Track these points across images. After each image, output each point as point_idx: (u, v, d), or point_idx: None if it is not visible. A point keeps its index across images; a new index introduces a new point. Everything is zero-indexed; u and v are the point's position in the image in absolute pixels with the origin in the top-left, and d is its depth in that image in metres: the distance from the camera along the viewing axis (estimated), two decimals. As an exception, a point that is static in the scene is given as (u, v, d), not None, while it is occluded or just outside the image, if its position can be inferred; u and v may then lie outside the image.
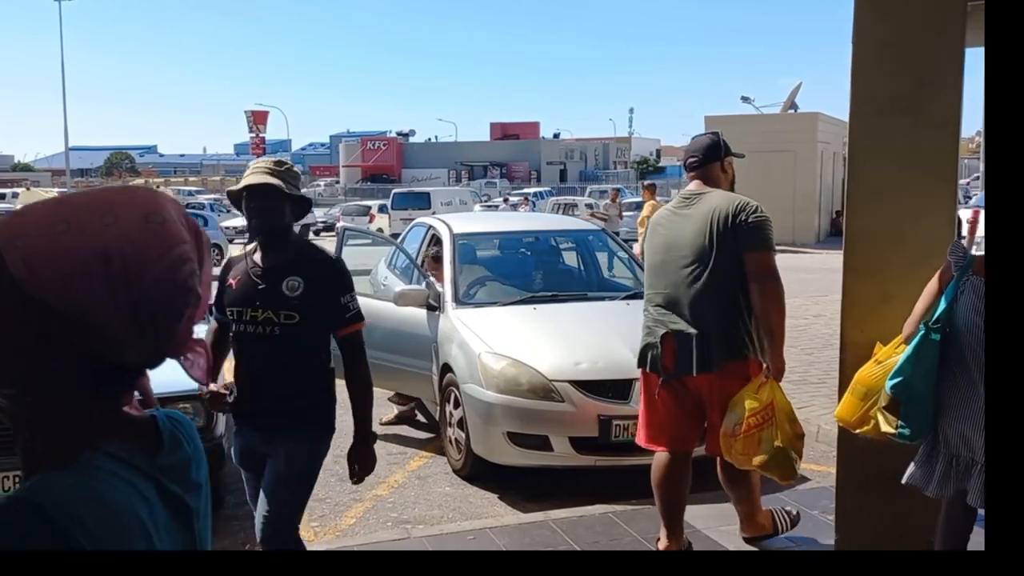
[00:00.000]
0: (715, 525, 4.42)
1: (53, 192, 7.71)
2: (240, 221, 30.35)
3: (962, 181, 24.63)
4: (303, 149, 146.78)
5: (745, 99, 39.59)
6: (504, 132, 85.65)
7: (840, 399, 3.87)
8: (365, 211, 31.04)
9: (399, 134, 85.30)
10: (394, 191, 32.74)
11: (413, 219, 9.67)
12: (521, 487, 5.19)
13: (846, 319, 3.83)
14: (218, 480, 4.91)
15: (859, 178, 3.73)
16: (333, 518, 4.93)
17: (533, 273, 6.73)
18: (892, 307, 3.68)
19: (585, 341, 5.33)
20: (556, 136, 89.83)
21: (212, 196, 42.61)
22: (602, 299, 6.25)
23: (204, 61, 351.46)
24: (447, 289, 5.97)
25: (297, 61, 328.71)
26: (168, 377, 4.24)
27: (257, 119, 64.25)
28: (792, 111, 29.32)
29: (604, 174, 76.92)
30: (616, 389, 4.97)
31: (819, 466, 5.63)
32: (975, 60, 3.48)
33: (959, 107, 3.50)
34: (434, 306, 5.87)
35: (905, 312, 3.63)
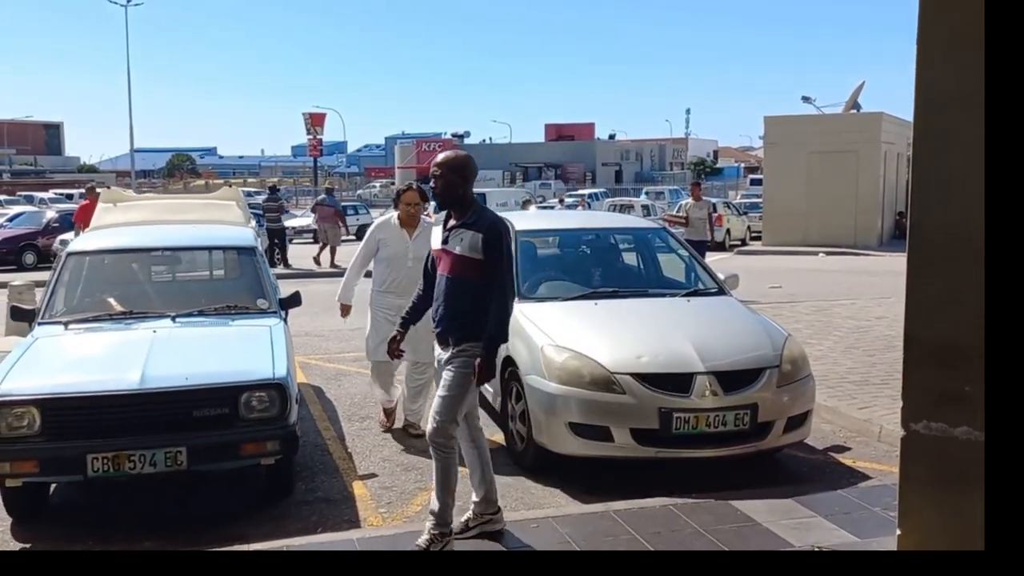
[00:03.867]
0: (775, 519, 4.45)
1: (130, 192, 8.02)
2: (296, 221, 30.72)
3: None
4: (359, 151, 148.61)
5: (806, 99, 39.07)
6: (559, 133, 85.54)
7: (903, 399, 3.88)
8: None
9: (454, 135, 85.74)
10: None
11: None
12: (582, 479, 5.27)
13: (910, 317, 3.83)
14: (290, 466, 5.10)
15: (924, 175, 3.73)
16: (400, 505, 5.07)
17: (593, 270, 6.81)
18: (959, 305, 3.68)
19: (645, 335, 5.40)
20: (611, 137, 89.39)
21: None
22: (662, 295, 6.31)
23: (264, 65, 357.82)
24: (509, 285, 6.10)
25: (354, 65, 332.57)
26: (244, 366, 4.42)
27: (315, 121, 65.31)
28: (855, 111, 28.81)
29: (660, 175, 76.35)
30: (677, 382, 5.03)
31: (882, 465, 5.61)
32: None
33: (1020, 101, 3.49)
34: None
35: (973, 310, 3.62)
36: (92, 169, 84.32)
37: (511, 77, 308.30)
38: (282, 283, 7.43)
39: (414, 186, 6.30)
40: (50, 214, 24.49)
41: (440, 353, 4.26)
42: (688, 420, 4.99)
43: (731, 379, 5.13)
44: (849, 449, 6.05)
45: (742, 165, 78.12)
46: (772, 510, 4.58)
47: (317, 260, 19.91)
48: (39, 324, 5.42)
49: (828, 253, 22.05)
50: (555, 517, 4.57)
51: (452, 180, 4.17)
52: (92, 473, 4.41)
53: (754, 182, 49.94)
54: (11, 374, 4.62)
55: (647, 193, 39.87)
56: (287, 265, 19.62)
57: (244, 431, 4.64)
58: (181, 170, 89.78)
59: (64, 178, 63.41)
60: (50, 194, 43.44)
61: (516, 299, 5.97)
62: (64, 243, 20.79)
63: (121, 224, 6.55)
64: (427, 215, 6.32)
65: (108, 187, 8.00)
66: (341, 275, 6.74)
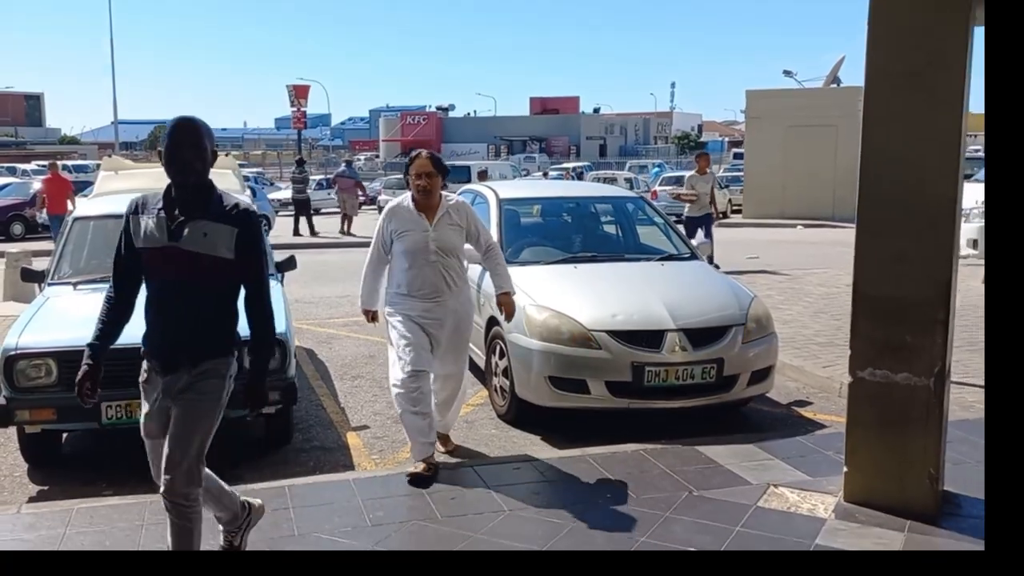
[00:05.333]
0: (736, 462, 4.86)
1: (129, 161, 8.29)
2: (284, 194, 31.05)
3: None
4: (343, 124, 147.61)
5: (787, 73, 39.43)
6: (544, 107, 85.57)
7: (851, 349, 4.27)
8: (405, 185, 31.56)
9: (439, 108, 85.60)
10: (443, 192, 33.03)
11: (453, 192, 9.98)
12: (560, 430, 5.66)
13: (858, 275, 4.21)
14: (289, 416, 5.46)
15: (872, 147, 4.11)
16: (391, 452, 5.45)
17: (573, 236, 7.16)
18: (902, 265, 4.07)
19: (621, 296, 5.78)
20: (596, 111, 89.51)
21: (255, 170, 43.25)
22: (638, 260, 6.69)
23: (247, 36, 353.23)
24: (494, 249, 6.44)
25: (338, 36, 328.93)
26: (245, 323, 4.65)
27: (299, 93, 64.93)
28: (835, 85, 29.19)
29: (644, 149, 76.70)
30: (649, 339, 5.42)
31: (840, 417, 5.98)
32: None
33: (963, 84, 3.86)
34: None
35: (917, 271, 4.01)
36: (74, 140, 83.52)
37: (496, 50, 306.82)
38: (299, 251, 7.79)
39: (424, 153, 4.92)
40: (37, 185, 24.54)
41: (164, 381, 3.33)
42: (659, 373, 5.39)
43: (699, 336, 5.52)
44: (811, 403, 6.47)
45: (726, 139, 78.47)
46: (734, 453, 4.99)
47: (345, 231, 20.77)
48: (48, 285, 5.73)
49: (806, 226, 22.49)
50: (535, 460, 4.97)
51: (204, 150, 3.15)
52: (106, 420, 4.76)
53: (737, 156, 50.37)
54: (27, 329, 4.95)
55: (631, 167, 40.20)
56: (313, 233, 20.66)
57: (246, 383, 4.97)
58: (162, 143, 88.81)
59: (46, 150, 62.83)
60: (33, 166, 43.16)
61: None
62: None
63: (123, 191, 6.83)
64: (448, 194, 5.02)
65: (110, 155, 8.25)
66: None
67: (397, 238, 4.85)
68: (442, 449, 5.20)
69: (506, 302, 5.07)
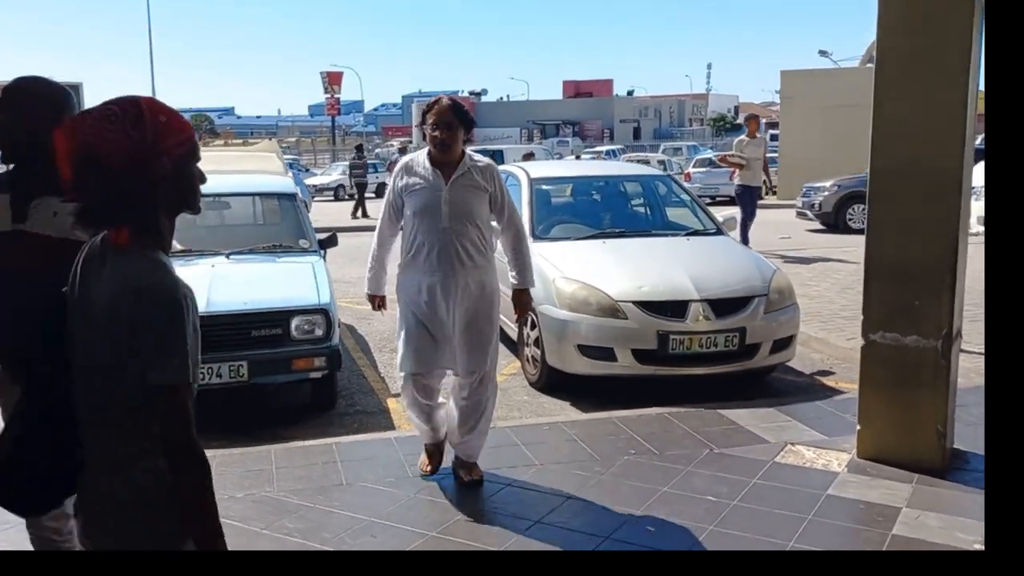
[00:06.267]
0: (756, 423, 5.12)
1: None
2: (319, 180, 31.74)
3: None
4: (376, 110, 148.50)
5: (823, 53, 39.08)
6: (577, 90, 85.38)
7: (863, 313, 4.51)
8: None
9: (471, 93, 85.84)
10: (468, 149, 33.47)
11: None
12: (589, 396, 5.96)
13: (870, 244, 4.45)
14: (333, 382, 5.82)
15: (883, 122, 4.33)
16: (429, 416, 5.79)
17: (602, 213, 7.44)
18: (913, 234, 4.29)
19: (647, 269, 6.05)
20: (630, 94, 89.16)
21: (290, 156, 43.83)
22: (664, 235, 6.95)
23: (279, 23, 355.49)
24: (525, 226, 6.73)
25: (370, 22, 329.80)
26: (293, 294, 5.09)
27: (332, 80, 65.56)
28: (870, 65, 28.90)
29: (679, 131, 76.25)
30: (674, 309, 5.69)
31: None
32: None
33: (968, 62, 4.06)
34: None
35: (925, 238, 4.23)
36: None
37: (530, 34, 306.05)
38: (350, 234, 8.12)
39: (445, 100, 4.09)
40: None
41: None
42: (683, 341, 5.66)
43: (722, 306, 5.78)
44: (833, 373, 6.70)
45: (763, 121, 77.62)
46: (755, 416, 5.26)
47: None
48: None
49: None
50: (564, 422, 5.28)
51: (36, 116, 2.56)
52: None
53: (773, 137, 49.98)
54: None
55: (664, 150, 40.15)
56: (365, 215, 21.46)
57: (295, 349, 5.35)
58: (200, 130, 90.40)
59: (88, 139, 64.14)
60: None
61: (531, 239, 6.64)
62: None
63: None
64: (475, 153, 4.24)
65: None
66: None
67: (407, 196, 4.09)
68: (465, 479, 4.32)
69: (522, 301, 4.34)
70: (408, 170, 4.16)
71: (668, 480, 4.31)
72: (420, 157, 4.16)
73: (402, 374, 4.23)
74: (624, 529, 3.78)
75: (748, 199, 11.91)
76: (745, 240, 11.36)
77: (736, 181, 12.14)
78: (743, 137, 12.27)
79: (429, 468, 4.44)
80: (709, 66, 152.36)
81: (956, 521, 3.79)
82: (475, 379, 4.14)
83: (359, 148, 25.56)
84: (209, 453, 4.75)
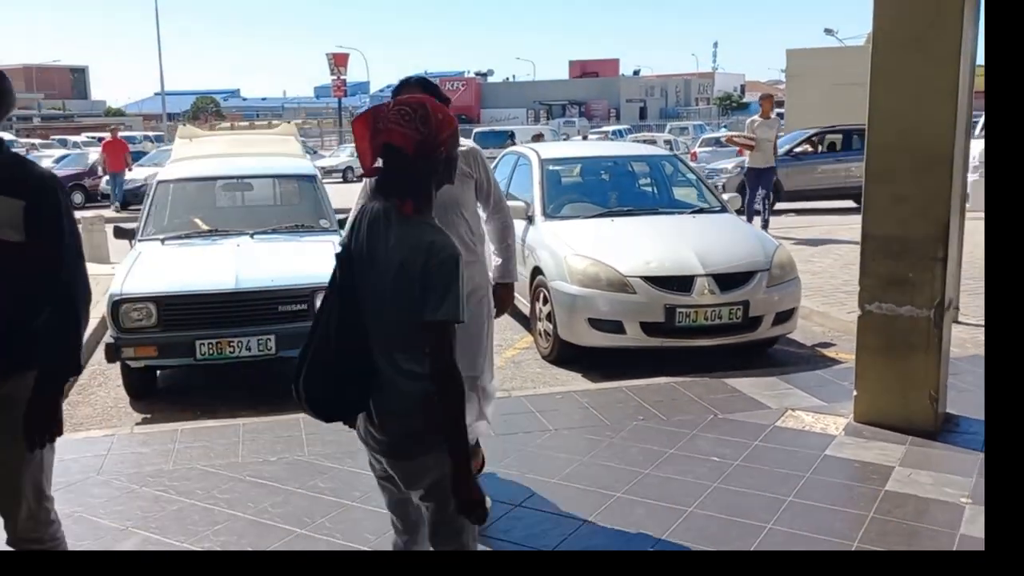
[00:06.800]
0: (759, 391, 5.38)
1: (199, 130, 8.95)
2: (328, 161, 31.95)
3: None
4: (381, 91, 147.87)
5: (829, 31, 39.03)
6: (583, 70, 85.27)
7: (860, 285, 4.77)
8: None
9: (477, 74, 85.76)
10: (475, 130, 33.67)
11: (495, 157, 10.38)
12: (599, 367, 6.22)
13: (866, 217, 4.69)
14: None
15: (878, 101, 4.56)
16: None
17: (611, 192, 7.68)
18: (903, 207, 4.53)
19: (654, 245, 6.30)
20: (636, 73, 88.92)
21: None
22: (671, 213, 7.19)
23: (285, 5, 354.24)
24: (536, 205, 7.00)
25: (376, 3, 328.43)
26: (316, 271, 5.25)
27: (338, 61, 65.56)
28: (876, 43, 28.90)
29: (685, 111, 76.18)
30: (680, 283, 5.95)
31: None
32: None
33: (959, 45, 4.28)
34: (530, 218, 6.92)
35: (918, 213, 4.47)
36: (119, 112, 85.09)
37: (535, 14, 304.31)
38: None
39: (414, 79, 3.58)
40: (94, 156, 25.56)
41: None
42: (689, 314, 5.92)
43: (727, 280, 6.03)
44: (834, 345, 6.95)
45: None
46: (757, 384, 5.52)
47: None
48: (139, 241, 6.42)
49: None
50: (576, 391, 5.55)
51: None
52: (200, 357, 5.43)
53: (780, 116, 49.97)
54: (128, 278, 5.62)
55: (671, 129, 40.27)
56: None
57: (320, 324, 5.61)
58: (206, 112, 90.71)
59: (93, 122, 64.36)
60: (83, 137, 44.49)
61: (543, 217, 6.90)
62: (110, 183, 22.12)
63: (198, 156, 7.51)
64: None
65: (184, 124, 8.89)
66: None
67: None
68: None
69: (504, 296, 3.99)
70: None
71: (674, 443, 4.58)
72: None
73: None
74: (634, 486, 4.06)
75: (757, 181, 11.66)
76: (750, 218, 11.34)
77: (748, 165, 11.89)
78: (756, 117, 11.89)
79: None
80: (715, 45, 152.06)
81: (946, 478, 4.06)
82: (470, 382, 3.48)
83: None
84: (242, 421, 5.11)
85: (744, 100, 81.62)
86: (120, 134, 26.94)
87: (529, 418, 5.03)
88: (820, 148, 16.93)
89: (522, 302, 6.98)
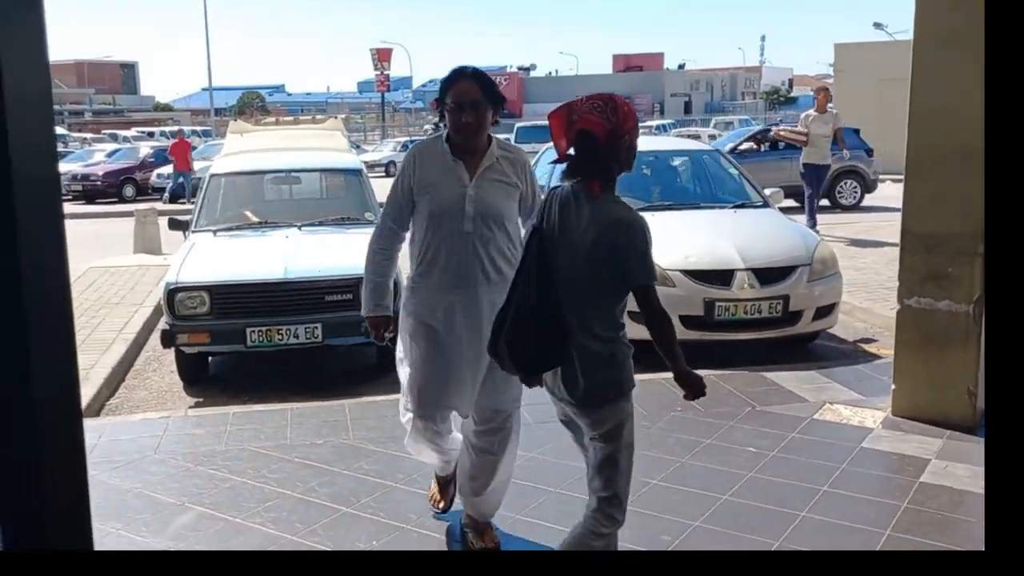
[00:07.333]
0: (798, 384, 5.42)
1: (249, 125, 9.18)
2: (370, 156, 32.29)
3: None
4: (424, 86, 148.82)
5: (878, 25, 38.39)
6: (627, 64, 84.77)
7: (899, 280, 4.78)
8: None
9: (520, 68, 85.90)
10: (517, 124, 33.74)
11: (537, 152, 10.40)
12: (640, 361, 6.27)
13: (905, 214, 4.71)
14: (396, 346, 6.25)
15: (918, 98, 4.58)
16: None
17: (652, 187, 7.73)
18: (945, 205, 4.54)
19: (695, 240, 6.35)
20: (681, 67, 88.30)
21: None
22: (712, 208, 7.23)
23: (329, 1, 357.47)
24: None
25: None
26: (362, 262, 5.31)
27: (381, 56, 66.06)
28: (927, 37, 28.40)
29: (731, 105, 75.46)
30: (720, 277, 6.00)
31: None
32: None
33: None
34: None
35: (956, 209, 4.48)
36: (167, 108, 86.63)
37: (579, 8, 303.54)
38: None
39: (469, 71, 3.17)
40: (145, 150, 26.20)
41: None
42: (728, 308, 5.97)
43: (767, 274, 6.07)
44: (876, 340, 6.94)
45: (817, 94, 76.28)
46: (796, 378, 5.55)
47: None
48: (192, 232, 6.64)
49: (895, 180, 22.31)
50: (615, 382, 5.63)
51: None
52: (251, 344, 5.62)
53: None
54: (183, 268, 5.84)
55: (715, 124, 39.97)
56: None
57: (365, 313, 5.78)
58: (251, 108, 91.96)
59: (142, 117, 65.75)
60: (133, 132, 45.47)
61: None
62: (162, 176, 22.74)
63: (249, 151, 7.73)
64: (501, 138, 3.36)
65: (235, 119, 9.14)
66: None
67: (422, 194, 3.21)
68: (476, 546, 3.45)
69: None
70: (422, 161, 3.26)
71: (711, 434, 4.65)
72: (437, 145, 3.25)
73: (407, 416, 3.38)
74: (670, 474, 4.15)
75: (813, 178, 11.28)
76: (812, 219, 11.08)
77: (802, 160, 11.48)
78: (810, 111, 11.39)
79: (443, 504, 3.75)
80: (763, 38, 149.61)
81: (982, 471, 4.07)
82: (500, 418, 3.32)
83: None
84: (291, 406, 5.29)
85: (792, 94, 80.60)
86: (169, 129, 27.94)
87: (568, 407, 5.13)
88: (763, 147, 16.66)
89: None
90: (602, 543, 2.71)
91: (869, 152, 16.12)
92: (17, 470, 1.35)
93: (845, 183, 16.04)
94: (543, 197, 2.82)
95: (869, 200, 16.17)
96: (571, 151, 2.60)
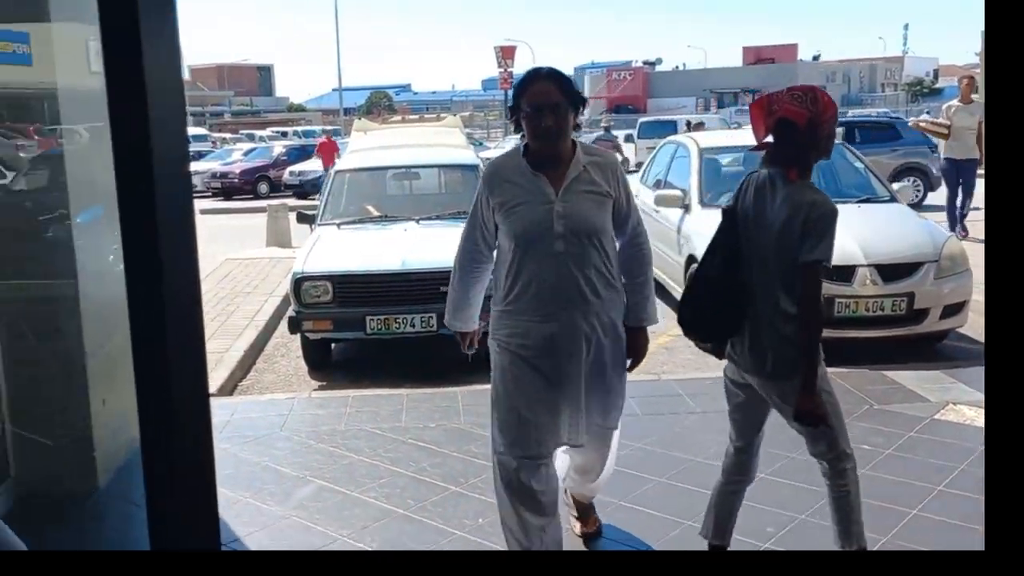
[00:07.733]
0: (920, 384, 5.22)
1: (373, 123, 9.56)
2: (492, 153, 32.82)
3: None
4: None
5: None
6: (758, 56, 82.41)
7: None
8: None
9: (645, 63, 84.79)
10: (640, 120, 33.46)
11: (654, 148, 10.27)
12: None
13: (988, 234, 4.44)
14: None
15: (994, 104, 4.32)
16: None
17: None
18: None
19: (813, 234, 6.19)
20: (815, 58, 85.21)
21: (466, 131, 45.22)
22: (836, 202, 7.00)
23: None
24: (693, 193, 7.04)
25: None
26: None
27: (505, 54, 66.58)
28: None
29: (870, 97, 72.31)
30: (841, 273, 5.82)
31: None
32: None
33: None
34: (686, 206, 6.98)
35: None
36: (300, 108, 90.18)
37: (709, 0, 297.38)
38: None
39: (544, 71, 2.87)
40: (279, 149, 27.49)
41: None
42: (849, 305, 5.80)
43: (890, 271, 5.86)
44: (1011, 342, 6.57)
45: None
46: (918, 377, 5.35)
47: None
48: (319, 225, 6.98)
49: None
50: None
51: None
52: (370, 331, 5.88)
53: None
54: (309, 258, 6.16)
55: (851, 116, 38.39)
56: None
57: (478, 304, 5.94)
58: (379, 107, 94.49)
59: (277, 117, 68.74)
60: (268, 132, 47.62)
61: (700, 206, 6.92)
62: (294, 174, 23.83)
63: (372, 148, 8.05)
64: (586, 143, 3.05)
65: (360, 117, 9.49)
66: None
67: (503, 216, 2.89)
68: (577, 530, 3.51)
69: (638, 344, 3.11)
70: (499, 179, 2.94)
71: (824, 431, 4.54)
72: (513, 159, 2.96)
73: (498, 455, 2.98)
74: (779, 468, 4.09)
75: (955, 174, 10.36)
76: (953, 222, 10.18)
77: (944, 155, 10.65)
78: (953, 102, 10.44)
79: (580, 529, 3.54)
80: (906, 27, 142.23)
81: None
82: (606, 433, 3.18)
83: (606, 129, 25.21)
84: (406, 391, 5.51)
85: (937, 85, 76.47)
86: (302, 128, 29.35)
87: (677, 400, 5.13)
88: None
89: (676, 290, 7.03)
90: (855, 490, 2.90)
91: (932, 148, 14.02)
92: (155, 443, 1.55)
93: (907, 181, 14.63)
94: (740, 182, 2.95)
95: (931, 199, 14.43)
96: (769, 139, 2.75)
